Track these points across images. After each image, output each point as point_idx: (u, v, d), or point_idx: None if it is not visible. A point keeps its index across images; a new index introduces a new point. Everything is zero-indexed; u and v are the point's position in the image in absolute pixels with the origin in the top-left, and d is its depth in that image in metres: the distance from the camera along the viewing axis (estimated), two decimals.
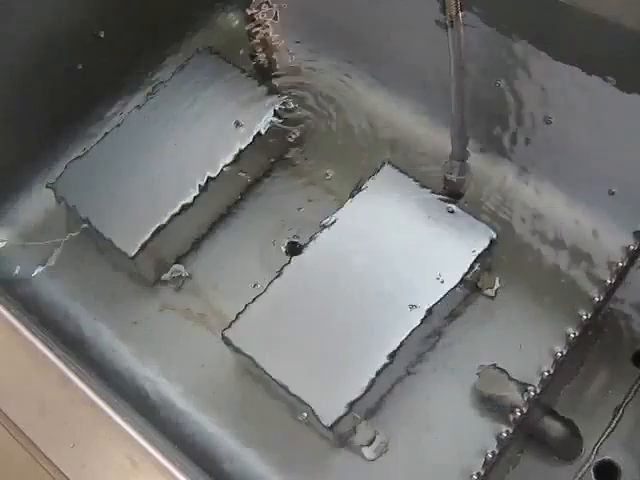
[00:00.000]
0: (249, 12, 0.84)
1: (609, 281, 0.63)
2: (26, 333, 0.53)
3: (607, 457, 0.67)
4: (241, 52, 0.87)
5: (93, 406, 0.48)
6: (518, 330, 0.71)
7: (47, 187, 0.78)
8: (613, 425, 0.68)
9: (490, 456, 0.63)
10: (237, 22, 0.89)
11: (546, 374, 0.59)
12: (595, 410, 0.69)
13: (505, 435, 0.58)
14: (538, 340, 0.69)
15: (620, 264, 0.64)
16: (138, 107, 0.81)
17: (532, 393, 0.60)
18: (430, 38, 0.65)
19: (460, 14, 0.63)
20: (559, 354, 0.59)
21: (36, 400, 0.49)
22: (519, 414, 0.60)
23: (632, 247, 0.64)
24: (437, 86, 0.67)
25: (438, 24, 0.64)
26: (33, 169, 0.83)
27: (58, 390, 0.49)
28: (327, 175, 0.82)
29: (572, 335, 0.65)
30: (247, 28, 0.85)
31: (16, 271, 0.80)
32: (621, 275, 0.67)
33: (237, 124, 0.79)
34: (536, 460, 0.68)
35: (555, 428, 0.67)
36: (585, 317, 0.59)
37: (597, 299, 0.66)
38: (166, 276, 0.78)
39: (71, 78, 0.82)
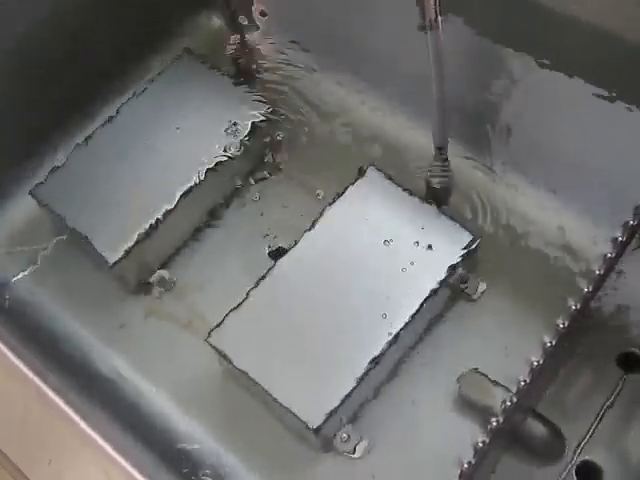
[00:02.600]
0: (232, 16, 0.83)
1: (589, 287, 0.63)
2: (4, 348, 0.52)
3: (589, 458, 0.68)
4: (224, 55, 0.86)
5: (70, 422, 0.48)
6: (502, 333, 0.72)
7: (30, 194, 0.78)
8: (595, 426, 0.68)
9: (472, 459, 0.63)
10: (220, 25, 0.88)
11: (527, 379, 0.59)
12: (578, 411, 0.69)
13: (486, 438, 0.58)
14: (522, 343, 0.69)
15: (601, 267, 0.64)
16: (119, 111, 0.81)
17: (514, 397, 0.61)
18: (414, 42, 0.65)
19: (439, 18, 0.63)
20: (535, 363, 0.59)
21: (13, 416, 0.49)
22: (501, 418, 0.60)
23: (609, 255, 0.64)
24: (421, 89, 0.67)
25: (421, 28, 0.64)
26: (15, 175, 0.83)
27: (35, 406, 0.49)
28: (311, 179, 0.82)
29: (550, 342, 0.64)
30: (229, 32, 0.84)
31: None
32: (604, 276, 0.67)
33: (219, 129, 0.79)
34: (518, 461, 0.68)
35: (538, 429, 0.67)
36: (561, 326, 0.59)
37: (582, 297, 0.66)
38: (150, 281, 0.78)
39: (52, 83, 0.81)
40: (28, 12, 0.77)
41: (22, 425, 0.49)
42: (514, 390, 0.60)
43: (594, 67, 0.66)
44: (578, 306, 0.57)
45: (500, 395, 0.64)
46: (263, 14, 0.88)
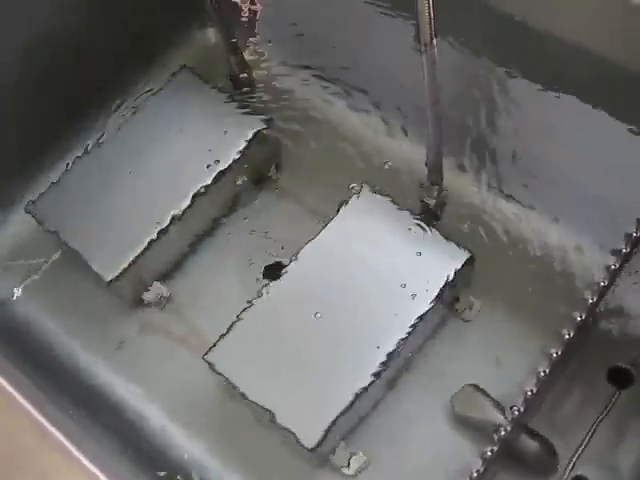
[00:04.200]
0: (228, 32, 0.83)
1: (590, 300, 0.64)
2: (1, 379, 0.52)
3: (582, 473, 0.68)
4: (221, 70, 0.87)
5: (69, 456, 0.48)
6: (495, 351, 0.72)
7: (26, 211, 0.78)
8: (588, 441, 0.69)
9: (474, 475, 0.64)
10: (216, 40, 0.88)
11: (521, 408, 0.60)
12: (570, 426, 0.70)
13: (481, 467, 0.59)
14: (516, 360, 0.71)
15: (601, 283, 0.64)
16: (117, 128, 0.81)
17: (508, 427, 0.61)
18: (410, 60, 0.65)
19: (434, 41, 0.63)
20: (529, 392, 0.60)
21: (11, 452, 0.49)
22: (495, 447, 0.60)
23: (613, 266, 0.65)
24: (418, 107, 0.68)
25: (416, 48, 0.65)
26: (13, 191, 0.83)
27: (34, 440, 0.49)
28: (307, 195, 0.82)
29: (554, 354, 0.65)
30: (226, 48, 0.84)
31: None
32: (601, 294, 0.68)
33: (216, 145, 0.79)
34: (511, 477, 0.69)
35: (530, 445, 0.67)
36: (567, 336, 0.60)
37: (578, 318, 0.67)
38: (147, 297, 0.78)
39: (48, 99, 0.82)
40: (21, 32, 0.78)
41: (20, 461, 0.49)
42: (519, 402, 0.60)
43: (591, 89, 0.67)
44: (572, 334, 0.57)
45: (495, 409, 0.64)
46: (262, 30, 0.88)
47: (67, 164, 0.81)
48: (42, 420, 0.51)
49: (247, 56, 0.88)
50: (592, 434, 0.69)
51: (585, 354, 0.72)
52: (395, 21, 0.74)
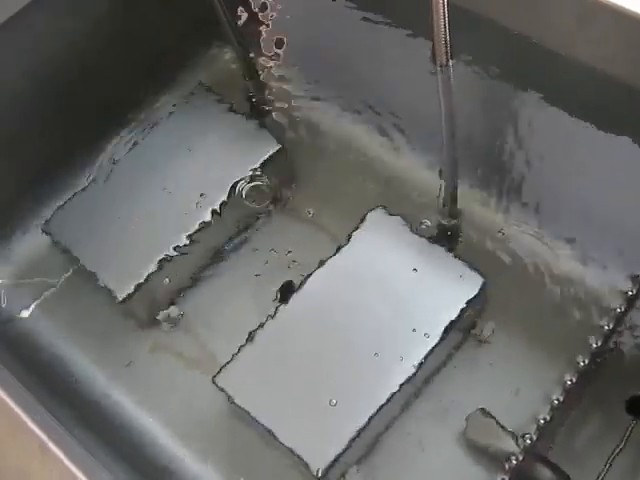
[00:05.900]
0: (246, 51, 0.83)
1: (607, 327, 0.63)
2: (7, 399, 0.52)
3: None
4: (238, 89, 0.87)
5: (73, 476, 0.48)
6: (511, 376, 0.71)
7: (42, 229, 0.78)
8: (605, 472, 0.67)
9: None
10: (234, 60, 0.88)
11: (534, 436, 0.59)
12: (587, 457, 0.68)
13: None
14: (532, 386, 0.69)
15: (618, 310, 0.63)
16: (133, 147, 0.81)
17: (520, 455, 0.60)
18: (426, 82, 0.65)
19: (450, 62, 0.63)
20: (542, 420, 0.59)
21: (16, 472, 0.49)
22: (510, 463, 0.59)
23: (630, 293, 0.64)
24: (433, 130, 0.67)
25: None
26: (28, 209, 0.83)
27: (38, 461, 0.49)
28: (320, 216, 0.82)
29: (568, 382, 0.64)
30: (243, 69, 0.85)
31: (8, 310, 0.80)
32: (618, 321, 0.66)
33: (231, 166, 0.79)
34: None
35: (545, 475, 0.66)
36: (582, 363, 0.59)
37: (594, 345, 0.65)
38: (159, 317, 0.78)
39: (66, 117, 0.82)
40: (46, 48, 0.78)
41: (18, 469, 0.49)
42: (532, 430, 0.59)
43: (608, 113, 0.66)
44: (598, 343, 0.56)
45: (508, 437, 0.63)
46: (279, 50, 0.89)
47: (82, 183, 0.81)
48: (46, 439, 0.51)
49: (263, 77, 0.88)
50: (610, 464, 0.67)
51: (603, 382, 0.71)
52: (412, 45, 0.73)
